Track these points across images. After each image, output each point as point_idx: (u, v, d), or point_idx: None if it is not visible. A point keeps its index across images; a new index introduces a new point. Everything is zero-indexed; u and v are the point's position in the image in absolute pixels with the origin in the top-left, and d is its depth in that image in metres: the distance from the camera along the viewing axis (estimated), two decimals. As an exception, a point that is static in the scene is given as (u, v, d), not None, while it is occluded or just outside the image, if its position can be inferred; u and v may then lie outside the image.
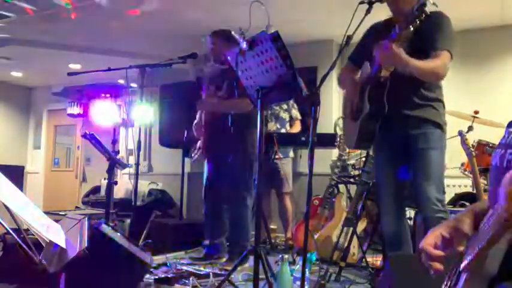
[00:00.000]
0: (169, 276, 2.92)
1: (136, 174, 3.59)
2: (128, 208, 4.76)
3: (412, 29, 2.01)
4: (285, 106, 4.59)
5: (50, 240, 1.75)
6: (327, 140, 3.91)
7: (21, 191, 1.84)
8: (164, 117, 5.41)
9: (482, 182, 3.26)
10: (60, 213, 3.86)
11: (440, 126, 2.37)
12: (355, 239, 3.24)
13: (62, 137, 8.56)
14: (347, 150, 3.77)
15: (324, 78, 2.12)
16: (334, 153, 4.60)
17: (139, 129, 3.72)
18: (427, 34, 2.23)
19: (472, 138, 3.36)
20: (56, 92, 7.83)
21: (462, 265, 0.93)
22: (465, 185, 4.28)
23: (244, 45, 2.23)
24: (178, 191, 5.36)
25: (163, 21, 5.05)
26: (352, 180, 3.88)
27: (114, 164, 3.05)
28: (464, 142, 3.20)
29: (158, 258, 3.36)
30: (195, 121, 3.72)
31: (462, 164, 3.62)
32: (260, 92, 2.29)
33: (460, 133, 3.26)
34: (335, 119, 5.08)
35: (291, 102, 4.61)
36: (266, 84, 2.28)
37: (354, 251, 3.40)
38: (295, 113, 4.62)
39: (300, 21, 4.97)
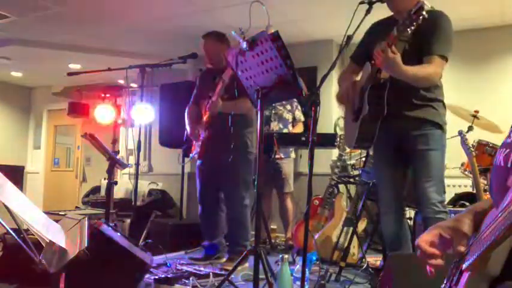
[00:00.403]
0: (169, 276, 2.92)
1: (136, 174, 3.60)
2: (128, 208, 4.76)
3: (409, 32, 2.00)
4: (288, 107, 4.59)
5: (50, 240, 1.75)
6: (327, 140, 3.91)
7: (21, 191, 1.84)
8: (164, 117, 5.41)
9: (482, 182, 3.26)
10: (60, 213, 3.86)
11: (440, 127, 2.37)
12: (355, 239, 3.24)
13: (62, 137, 8.56)
14: (347, 150, 3.77)
15: (324, 78, 2.12)
16: (334, 153, 4.60)
17: (140, 129, 3.73)
18: (424, 36, 2.23)
19: (472, 138, 3.37)
20: (56, 92, 7.84)
21: (464, 265, 0.93)
22: (465, 185, 4.28)
23: (244, 45, 2.23)
24: (178, 191, 5.37)
25: (163, 21, 5.05)
26: (352, 180, 3.89)
27: (114, 164, 3.05)
28: (464, 142, 3.20)
29: (158, 258, 3.35)
30: (188, 126, 3.71)
31: (462, 164, 3.62)
32: (260, 92, 2.29)
33: (460, 133, 3.26)
34: (335, 119, 5.09)
35: (295, 103, 4.61)
36: (266, 84, 2.28)
37: (354, 251, 3.40)
38: (299, 114, 4.62)
39: (300, 21, 4.97)
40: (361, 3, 2.21)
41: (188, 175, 5.80)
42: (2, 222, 1.50)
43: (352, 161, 3.94)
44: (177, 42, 5.39)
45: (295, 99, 4.58)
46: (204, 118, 3.55)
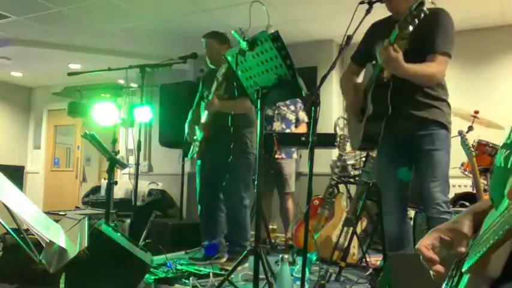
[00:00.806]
0: (169, 276, 2.92)
1: (136, 174, 3.59)
2: (128, 208, 4.75)
3: (411, 28, 2.00)
4: (292, 107, 4.59)
5: (50, 240, 1.75)
6: (327, 140, 3.91)
7: (21, 191, 1.84)
8: (164, 117, 5.41)
9: (482, 182, 3.26)
10: (60, 213, 3.86)
11: (445, 127, 2.37)
12: (355, 239, 3.24)
13: (62, 137, 8.56)
14: (347, 150, 3.77)
15: (324, 78, 2.12)
16: (334, 153, 4.60)
17: (140, 129, 3.72)
18: (426, 34, 2.23)
19: (472, 138, 3.36)
20: (56, 92, 7.84)
21: (464, 267, 0.93)
22: (465, 185, 4.29)
23: (244, 45, 2.23)
24: (178, 191, 5.37)
25: (163, 21, 5.05)
26: (352, 180, 3.89)
27: (114, 164, 3.05)
28: (464, 142, 3.20)
29: (158, 258, 3.35)
30: (188, 119, 3.72)
31: (462, 164, 3.62)
32: (260, 92, 2.29)
33: (460, 133, 3.26)
34: (335, 119, 5.08)
35: (299, 104, 4.61)
36: (266, 84, 2.28)
37: (354, 251, 3.40)
38: (302, 115, 4.62)
39: (300, 21, 4.97)
40: (361, 3, 2.20)
41: (188, 175, 5.80)
42: (2, 222, 1.50)
43: (352, 161, 3.94)
44: (177, 42, 5.39)
45: (299, 100, 4.58)
46: (202, 118, 3.55)
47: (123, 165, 3.23)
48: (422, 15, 1.93)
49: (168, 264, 3.23)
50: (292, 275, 2.37)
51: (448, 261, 1.00)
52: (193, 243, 4.06)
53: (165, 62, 3.57)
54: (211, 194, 3.61)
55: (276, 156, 4.40)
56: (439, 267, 0.98)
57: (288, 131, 4.53)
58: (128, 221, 4.47)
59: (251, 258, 2.52)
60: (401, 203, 2.49)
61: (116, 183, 3.14)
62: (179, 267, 3.21)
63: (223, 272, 3.03)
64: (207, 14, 4.76)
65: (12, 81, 8.03)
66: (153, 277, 2.85)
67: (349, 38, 2.16)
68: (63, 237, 1.88)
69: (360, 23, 2.18)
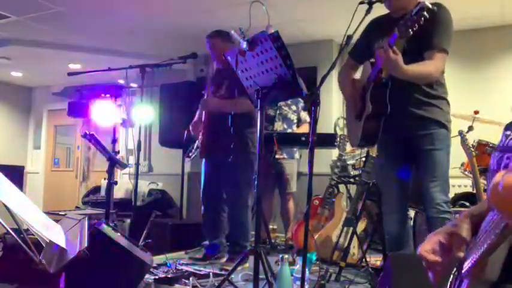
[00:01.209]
0: (169, 276, 2.91)
1: (136, 174, 3.59)
2: (128, 208, 4.76)
3: (411, 33, 2.00)
4: (294, 107, 4.59)
5: (50, 240, 1.75)
6: (327, 140, 3.91)
7: (21, 191, 1.84)
8: (164, 117, 5.41)
9: (482, 182, 3.26)
10: (60, 213, 3.86)
11: (445, 126, 2.37)
12: (355, 239, 3.24)
13: (62, 137, 8.56)
14: (347, 150, 3.77)
15: (324, 78, 2.12)
16: (334, 153, 4.60)
17: (140, 129, 3.72)
18: (425, 29, 2.22)
19: (472, 138, 3.36)
20: (56, 92, 7.84)
21: (463, 271, 0.93)
22: (465, 185, 4.29)
23: (244, 45, 2.23)
24: (178, 191, 5.36)
25: (163, 21, 5.05)
26: (352, 180, 3.88)
27: (114, 164, 3.05)
28: (464, 142, 3.20)
29: (158, 258, 3.35)
30: (194, 119, 3.72)
31: (462, 164, 3.62)
32: (260, 92, 2.29)
33: (460, 133, 3.26)
34: (335, 119, 5.09)
35: (301, 104, 4.61)
36: (266, 84, 2.28)
37: (354, 251, 3.40)
38: (304, 115, 4.61)
39: (300, 21, 4.97)
40: (361, 3, 2.21)
41: (188, 175, 5.80)
42: (2, 222, 1.50)
43: (352, 161, 3.94)
44: (177, 42, 5.39)
45: (301, 100, 4.58)
46: (203, 117, 3.56)
47: (123, 165, 3.23)
48: (423, 19, 1.93)
49: (168, 264, 3.23)
50: (292, 275, 2.37)
51: (448, 266, 1.00)
52: (193, 243, 4.06)
53: (165, 62, 3.57)
54: (214, 193, 3.61)
55: (278, 156, 4.40)
56: (441, 270, 0.99)
57: (289, 131, 4.53)
58: (128, 221, 4.48)
59: (251, 258, 2.52)
60: (402, 203, 2.49)
61: (116, 183, 3.14)
62: (179, 267, 3.21)
63: (223, 272, 3.03)
64: (207, 14, 4.76)
65: (12, 81, 8.03)
66: (153, 277, 2.85)
67: (349, 38, 2.16)
68: (63, 237, 1.88)
69: (360, 23, 2.19)
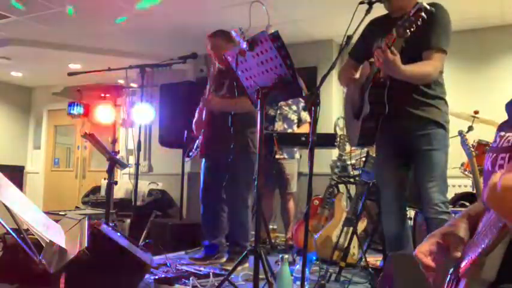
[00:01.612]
0: (169, 276, 2.92)
1: (136, 174, 3.60)
2: (128, 208, 4.76)
3: (409, 33, 2.01)
4: (294, 107, 4.59)
5: (50, 240, 1.75)
6: (327, 140, 3.91)
7: (21, 191, 1.84)
8: (164, 117, 5.41)
9: (482, 182, 3.26)
10: (60, 213, 3.86)
11: (443, 126, 2.37)
12: (355, 239, 3.24)
13: (62, 137, 8.56)
14: (347, 150, 3.77)
15: (323, 79, 2.12)
16: (334, 153, 4.60)
17: (140, 129, 3.73)
18: (423, 29, 2.22)
19: (472, 138, 3.36)
20: (56, 92, 7.84)
21: (460, 271, 0.93)
22: (465, 185, 4.29)
23: (244, 45, 2.23)
24: (178, 191, 5.36)
25: (163, 21, 5.05)
26: (352, 180, 3.88)
27: (114, 164, 3.05)
28: (464, 142, 3.20)
29: (158, 258, 3.36)
30: (195, 119, 3.72)
31: (462, 164, 3.62)
32: (260, 92, 2.29)
33: (460, 133, 3.26)
34: (335, 119, 5.09)
35: (302, 104, 4.61)
36: (266, 84, 2.28)
37: (354, 251, 3.40)
38: (305, 115, 4.61)
39: (300, 21, 4.97)
40: (361, 3, 2.21)
41: (188, 175, 5.80)
42: (2, 222, 1.50)
43: (352, 161, 3.93)
44: (177, 42, 5.39)
45: (301, 100, 4.58)
46: (203, 116, 3.56)
47: (123, 165, 3.23)
48: (421, 20, 1.93)
49: (168, 264, 3.23)
50: (292, 275, 2.37)
51: (446, 266, 1.00)
52: (193, 243, 4.06)
53: (165, 62, 3.57)
54: (213, 193, 3.61)
55: (278, 156, 4.40)
56: (433, 275, 0.99)
57: (290, 131, 4.53)
58: (128, 221, 4.48)
59: (251, 258, 2.52)
60: (400, 203, 2.49)
61: (116, 183, 3.14)
62: (179, 267, 3.21)
63: (223, 272, 3.03)
64: (207, 14, 4.76)
65: (12, 81, 8.03)
66: (153, 277, 2.85)
67: (349, 38, 2.16)
68: (63, 237, 1.88)
69: (360, 23, 2.19)
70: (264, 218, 4.13)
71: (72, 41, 5.76)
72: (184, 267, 3.21)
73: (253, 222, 2.78)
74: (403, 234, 2.49)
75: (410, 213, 3.48)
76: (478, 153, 3.28)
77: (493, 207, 0.72)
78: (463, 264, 0.93)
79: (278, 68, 2.19)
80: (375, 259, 3.45)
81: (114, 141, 3.48)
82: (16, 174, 7.47)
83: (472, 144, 3.29)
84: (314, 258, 3.09)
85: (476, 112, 3.68)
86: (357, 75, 2.59)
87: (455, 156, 3.33)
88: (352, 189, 4.05)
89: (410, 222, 3.35)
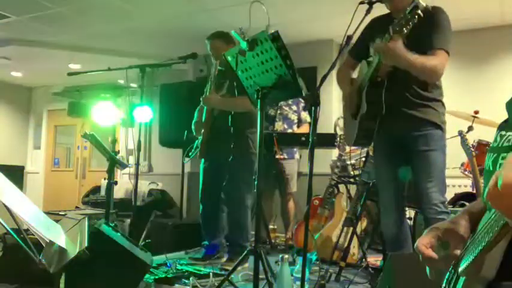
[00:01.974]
0: (169, 276, 2.92)
1: (136, 174, 3.59)
2: (128, 208, 4.75)
3: (405, 31, 2.00)
4: (294, 107, 4.59)
5: (50, 240, 1.75)
6: (327, 140, 3.91)
7: (21, 191, 1.84)
8: (164, 117, 5.41)
9: (482, 182, 3.25)
10: (60, 213, 3.86)
11: (440, 127, 2.37)
12: (355, 239, 3.24)
13: (62, 137, 8.56)
14: (347, 150, 3.77)
15: (323, 79, 2.12)
16: (334, 153, 4.60)
17: (140, 129, 3.72)
18: (424, 32, 2.22)
19: (472, 138, 3.36)
20: (56, 92, 7.84)
21: (460, 269, 0.93)
22: (465, 185, 4.28)
23: (244, 45, 2.23)
24: (178, 191, 5.36)
25: (163, 21, 5.05)
26: (352, 180, 3.88)
27: (114, 164, 3.05)
28: (464, 142, 3.20)
29: (158, 258, 3.36)
30: (194, 120, 3.72)
31: (462, 164, 3.62)
32: (260, 92, 2.29)
33: (460, 133, 3.26)
34: (335, 119, 5.08)
35: (302, 104, 4.61)
36: (266, 84, 2.28)
37: (354, 251, 3.40)
38: (305, 115, 4.61)
39: (300, 21, 4.97)
40: (361, 3, 2.21)
41: (188, 175, 5.80)
42: (2, 222, 1.50)
43: (352, 161, 3.93)
44: (177, 42, 5.39)
45: (301, 100, 4.58)
46: (204, 117, 3.56)
47: (123, 165, 3.23)
48: (417, 18, 1.93)
49: (168, 264, 3.23)
50: (292, 275, 2.37)
51: (445, 261, 1.00)
52: (193, 243, 4.06)
53: (165, 62, 3.57)
54: (213, 193, 3.61)
55: (278, 156, 4.40)
56: (438, 264, 0.98)
57: (289, 131, 4.53)
58: (128, 221, 4.47)
59: (251, 258, 2.52)
60: (398, 203, 2.49)
61: (116, 183, 3.14)
62: (179, 267, 3.21)
63: (223, 272, 3.03)
64: (207, 14, 4.76)
65: (12, 81, 8.03)
66: (153, 277, 2.85)
67: (349, 38, 2.16)
68: (63, 237, 1.88)
69: (360, 23, 2.19)
70: (264, 218, 4.13)
71: (72, 41, 5.75)
72: (184, 267, 3.21)
73: (253, 222, 2.78)
74: (402, 234, 2.49)
75: (410, 213, 3.48)
76: (478, 153, 3.28)
77: (494, 206, 0.72)
78: (462, 262, 0.93)
79: (278, 68, 2.19)
80: (375, 259, 3.46)
81: (114, 141, 3.47)
82: (16, 174, 7.46)
83: (472, 144, 3.29)
84: (314, 258, 3.09)
85: (476, 112, 3.68)
86: (355, 75, 2.59)
87: (455, 156, 3.34)
88: (352, 189, 4.05)
89: (410, 222, 3.35)
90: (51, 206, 7.11)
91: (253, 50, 2.21)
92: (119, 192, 5.48)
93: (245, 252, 2.45)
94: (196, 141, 3.70)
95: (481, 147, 3.39)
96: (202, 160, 3.66)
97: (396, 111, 2.34)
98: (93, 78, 5.80)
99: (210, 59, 3.82)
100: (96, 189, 6.11)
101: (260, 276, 2.21)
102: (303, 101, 4.61)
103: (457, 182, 4.31)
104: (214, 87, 3.57)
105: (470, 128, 3.59)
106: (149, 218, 4.45)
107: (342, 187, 4.13)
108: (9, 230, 1.55)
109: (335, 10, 4.46)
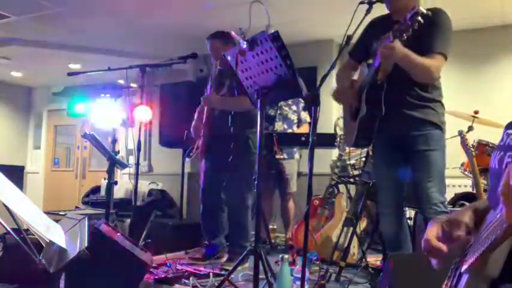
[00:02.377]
0: (169, 276, 2.92)
1: (136, 174, 3.59)
2: (128, 208, 4.75)
3: (405, 37, 2.01)
4: (294, 107, 4.59)
5: (50, 240, 1.75)
6: (327, 140, 3.91)
7: (21, 191, 1.84)
8: (164, 117, 5.42)
9: (482, 182, 3.26)
10: (60, 213, 3.87)
11: (439, 127, 2.37)
12: (355, 239, 3.24)
13: (62, 137, 8.56)
14: (347, 150, 3.77)
15: (324, 78, 2.12)
16: (334, 153, 4.60)
17: (140, 129, 3.72)
18: (424, 35, 2.22)
19: (472, 138, 3.36)
20: (56, 92, 7.84)
21: (464, 267, 0.93)
22: (465, 185, 4.28)
23: (244, 45, 2.23)
24: (178, 191, 5.36)
25: (163, 21, 5.05)
26: (352, 180, 3.88)
27: (114, 164, 3.05)
28: (464, 142, 3.20)
29: (158, 258, 3.35)
30: (193, 123, 3.71)
31: (462, 164, 3.61)
32: (260, 92, 2.29)
33: (460, 133, 3.25)
34: (335, 119, 5.08)
35: (302, 104, 4.61)
36: (266, 84, 2.28)
37: (354, 251, 3.40)
38: (305, 115, 4.61)
39: (300, 21, 4.97)
40: (361, 3, 2.21)
41: (188, 175, 5.80)
42: (2, 222, 1.50)
43: (352, 161, 3.93)
44: (177, 42, 5.39)
45: (301, 100, 4.58)
46: (204, 117, 3.56)
47: (123, 165, 3.23)
48: (417, 24, 1.94)
49: (168, 264, 3.23)
50: (292, 275, 2.37)
51: (448, 254, 1.00)
52: (193, 243, 4.06)
53: (165, 62, 3.57)
54: (213, 193, 3.61)
55: (278, 156, 4.40)
56: (445, 254, 0.97)
57: (289, 131, 4.53)
58: (128, 221, 4.48)
59: (251, 258, 2.52)
60: (397, 203, 2.49)
61: (116, 183, 3.14)
62: (179, 267, 3.21)
63: (223, 272, 3.03)
64: (207, 14, 4.76)
65: (12, 81, 8.03)
66: (153, 277, 2.85)
67: (349, 38, 2.17)
68: (63, 237, 1.88)
69: (360, 23, 2.19)
70: (264, 218, 4.13)
71: (72, 41, 5.75)
72: (184, 267, 3.21)
73: (253, 222, 2.78)
74: (402, 234, 2.50)
75: (410, 213, 3.48)
76: (478, 153, 3.28)
77: (507, 203, 0.72)
78: (467, 259, 0.93)
79: (278, 68, 2.19)
80: (375, 259, 3.45)
81: (114, 141, 3.47)
82: (16, 174, 7.46)
83: (472, 144, 3.28)
84: (314, 258, 3.09)
85: (476, 112, 3.67)
86: (356, 76, 2.59)
87: (455, 156, 3.34)
88: (352, 189, 4.05)
89: (410, 222, 3.35)
90: (51, 206, 7.11)
91: (253, 50, 2.21)
92: (119, 192, 5.48)
93: (245, 252, 2.45)
94: (197, 141, 3.70)
95: (481, 147, 3.39)
96: (203, 160, 3.66)
97: (396, 112, 2.34)
98: (93, 78, 5.80)
99: (210, 59, 3.83)
100: (96, 189, 6.11)
101: (260, 276, 2.21)
102: (303, 101, 4.60)
103: (457, 182, 4.31)
104: (214, 87, 3.57)
105: (470, 128, 3.59)
106: (149, 218, 4.46)
107: (342, 187, 4.13)
108: (9, 230, 1.55)
109: (335, 10, 4.45)
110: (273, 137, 4.05)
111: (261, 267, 2.23)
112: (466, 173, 3.59)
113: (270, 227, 4.46)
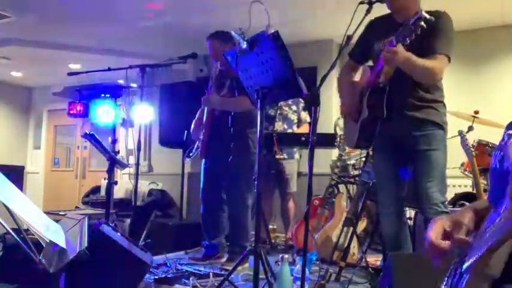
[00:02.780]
0: (169, 276, 2.92)
1: (136, 174, 3.59)
2: (128, 208, 4.76)
3: (408, 41, 2.02)
4: (294, 107, 4.59)
5: (50, 240, 1.75)
6: (327, 140, 3.91)
7: (21, 191, 1.84)
8: (164, 117, 5.42)
9: (482, 182, 3.26)
10: (60, 213, 3.86)
11: (441, 127, 2.37)
12: (355, 239, 3.24)
13: (62, 137, 8.56)
14: (347, 150, 3.77)
15: (323, 78, 2.12)
16: (334, 153, 4.60)
17: (140, 129, 3.72)
18: (426, 37, 2.22)
19: (472, 138, 3.36)
20: (56, 92, 7.83)
21: (464, 266, 0.93)
22: (465, 185, 4.28)
23: (244, 45, 2.23)
24: (178, 191, 5.36)
25: (163, 21, 5.05)
26: (352, 180, 3.88)
27: (114, 164, 3.05)
28: (464, 142, 3.20)
29: (158, 258, 3.36)
30: (192, 128, 3.71)
31: (462, 164, 3.61)
32: (260, 92, 2.29)
33: (460, 133, 3.26)
34: (335, 119, 5.08)
35: (302, 104, 4.61)
36: (266, 84, 2.28)
37: (354, 251, 3.40)
38: (305, 115, 4.61)
39: (300, 21, 4.97)
40: (361, 3, 2.21)
41: (188, 175, 5.80)
42: (2, 222, 1.50)
43: (352, 161, 3.93)
44: (177, 42, 5.39)
45: (301, 100, 4.58)
46: (204, 117, 3.56)
47: (123, 165, 3.23)
48: (419, 30, 1.95)
49: (168, 264, 3.23)
50: (292, 275, 2.37)
51: (447, 260, 1.00)
52: (193, 243, 4.06)
53: (165, 62, 3.57)
54: (213, 194, 3.61)
55: (278, 156, 4.40)
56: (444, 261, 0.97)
57: (289, 131, 4.53)
58: (128, 221, 4.48)
59: (251, 258, 2.52)
60: (397, 203, 2.49)
61: (116, 183, 3.14)
62: (179, 267, 3.21)
63: (223, 272, 3.03)
64: (207, 14, 4.76)
65: (12, 81, 8.02)
66: (153, 277, 2.85)
67: (349, 38, 2.16)
68: (63, 237, 1.88)
69: (360, 23, 2.19)
70: (264, 218, 4.13)
71: (72, 41, 5.75)
72: (184, 267, 3.21)
73: (253, 222, 2.78)
74: (402, 234, 2.50)
75: (410, 213, 3.48)
76: (478, 153, 3.28)
77: None
78: (467, 260, 0.93)
79: (278, 68, 2.19)
80: (375, 259, 3.45)
81: (114, 141, 3.47)
82: (16, 174, 7.46)
83: (472, 144, 3.29)
84: (314, 258, 3.09)
85: (476, 112, 3.68)
86: (357, 77, 2.59)
87: (455, 156, 3.33)
88: (352, 189, 4.05)
89: (410, 222, 3.35)
90: (51, 206, 7.11)
91: (253, 50, 2.22)
92: (119, 192, 5.48)
93: (245, 252, 2.45)
94: (197, 141, 3.70)
95: (481, 147, 3.39)
96: (203, 160, 3.66)
97: (398, 113, 2.34)
98: (93, 78, 5.79)
99: (210, 59, 3.83)
100: (96, 189, 6.11)
101: (260, 276, 2.21)
102: (303, 101, 4.60)
103: (457, 182, 4.31)
104: (215, 88, 3.57)
105: (470, 128, 3.59)
106: (149, 218, 4.46)
107: (342, 187, 4.13)
108: (9, 230, 1.55)
109: (335, 10, 4.45)
110: (273, 137, 4.05)
111: (261, 267, 2.23)
112: (466, 173, 3.59)
113: (270, 227, 4.46)
